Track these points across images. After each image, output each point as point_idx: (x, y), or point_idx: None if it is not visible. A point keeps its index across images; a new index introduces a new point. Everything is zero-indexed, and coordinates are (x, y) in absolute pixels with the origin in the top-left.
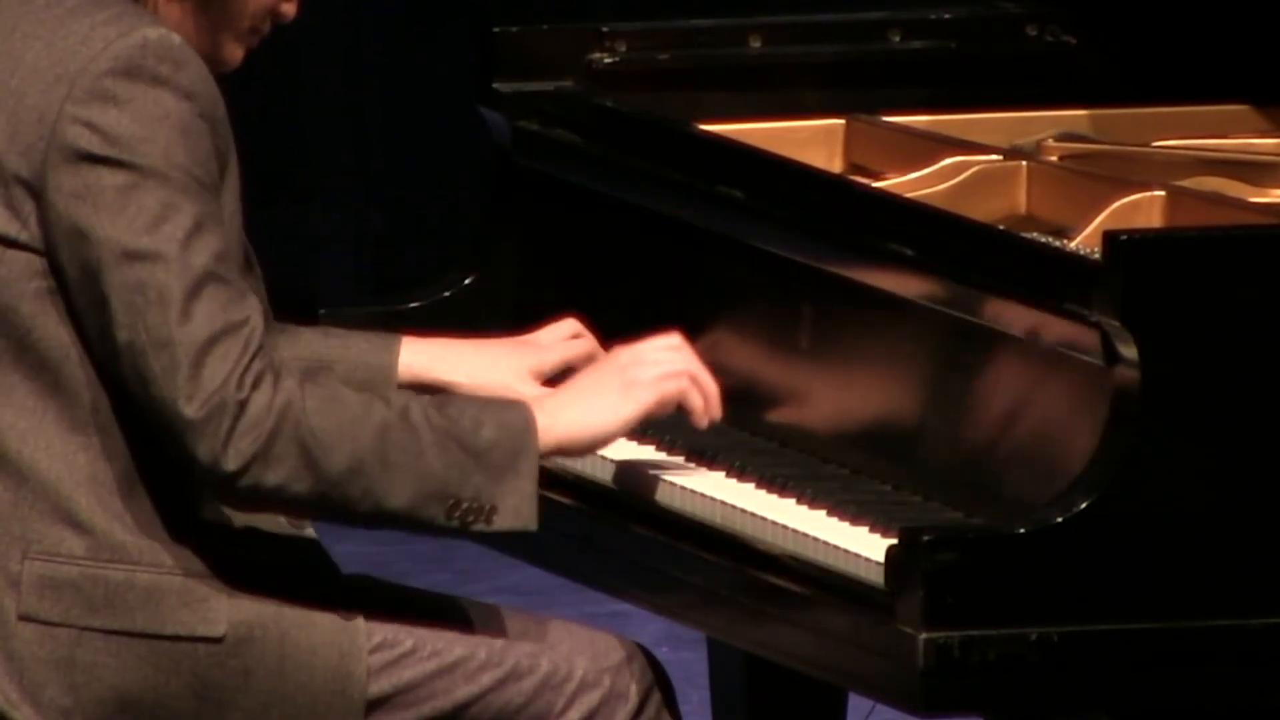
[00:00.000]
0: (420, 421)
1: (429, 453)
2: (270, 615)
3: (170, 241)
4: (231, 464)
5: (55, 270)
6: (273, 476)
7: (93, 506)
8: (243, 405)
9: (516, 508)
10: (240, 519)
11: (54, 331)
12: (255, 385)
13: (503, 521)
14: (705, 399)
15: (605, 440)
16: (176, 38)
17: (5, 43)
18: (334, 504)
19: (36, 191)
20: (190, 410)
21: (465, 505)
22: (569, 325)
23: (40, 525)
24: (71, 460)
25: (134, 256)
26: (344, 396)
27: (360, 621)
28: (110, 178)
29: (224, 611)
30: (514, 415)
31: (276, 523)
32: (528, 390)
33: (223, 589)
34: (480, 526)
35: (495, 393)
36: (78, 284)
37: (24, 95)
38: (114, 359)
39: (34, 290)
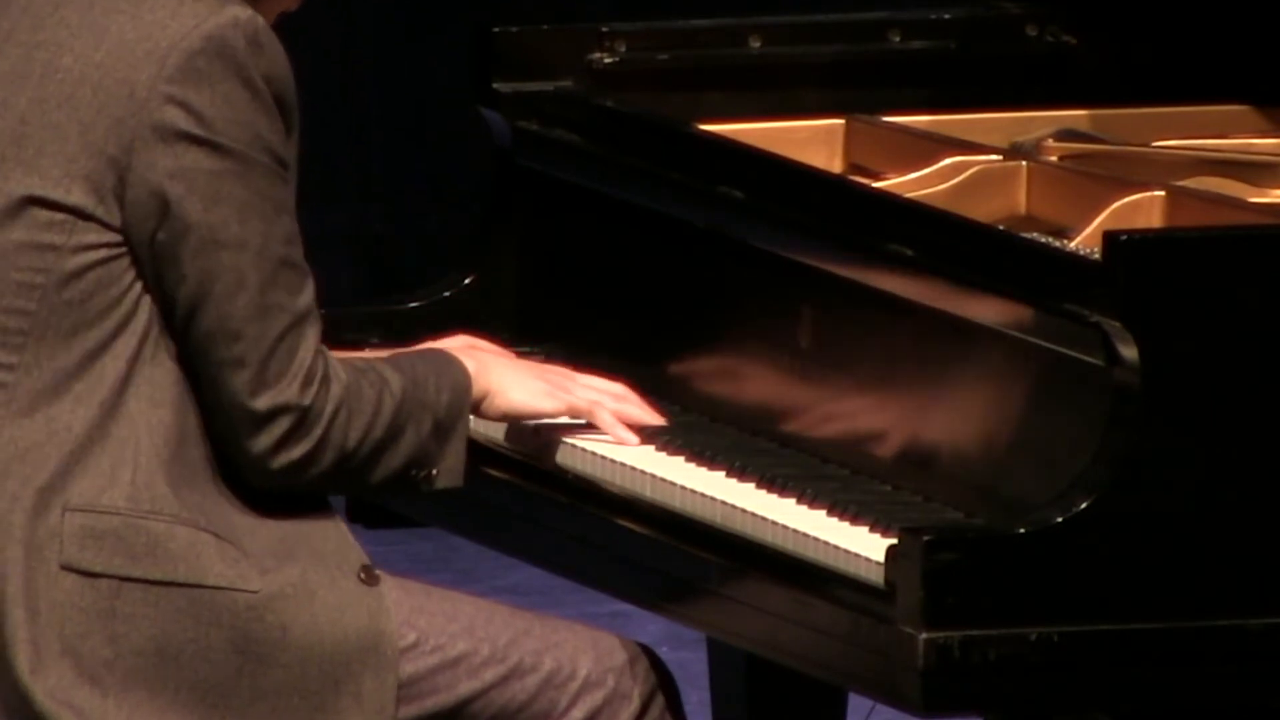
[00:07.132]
0: (410, 403)
1: (409, 432)
2: (297, 576)
3: (254, 232)
4: (278, 463)
5: (129, 242)
6: (307, 476)
7: (135, 461)
8: (304, 412)
9: (452, 468)
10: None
11: (112, 300)
12: (316, 389)
13: (440, 481)
14: (620, 422)
15: (513, 413)
16: (261, 20)
17: (85, 15)
18: (336, 487)
19: (122, 166)
20: (253, 404)
21: (421, 472)
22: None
23: (82, 480)
24: (114, 419)
25: (220, 244)
26: (363, 391)
27: (384, 585)
28: (206, 160)
29: (256, 571)
30: (459, 374)
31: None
32: None
33: (252, 552)
34: (424, 488)
35: None
36: (156, 258)
37: (111, 69)
38: (184, 336)
39: (98, 259)
